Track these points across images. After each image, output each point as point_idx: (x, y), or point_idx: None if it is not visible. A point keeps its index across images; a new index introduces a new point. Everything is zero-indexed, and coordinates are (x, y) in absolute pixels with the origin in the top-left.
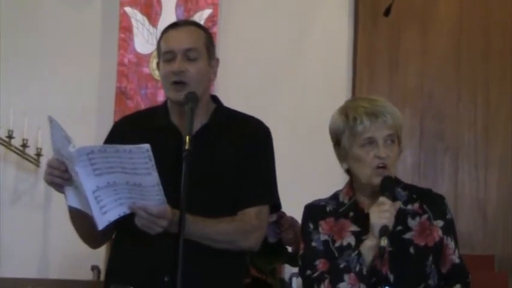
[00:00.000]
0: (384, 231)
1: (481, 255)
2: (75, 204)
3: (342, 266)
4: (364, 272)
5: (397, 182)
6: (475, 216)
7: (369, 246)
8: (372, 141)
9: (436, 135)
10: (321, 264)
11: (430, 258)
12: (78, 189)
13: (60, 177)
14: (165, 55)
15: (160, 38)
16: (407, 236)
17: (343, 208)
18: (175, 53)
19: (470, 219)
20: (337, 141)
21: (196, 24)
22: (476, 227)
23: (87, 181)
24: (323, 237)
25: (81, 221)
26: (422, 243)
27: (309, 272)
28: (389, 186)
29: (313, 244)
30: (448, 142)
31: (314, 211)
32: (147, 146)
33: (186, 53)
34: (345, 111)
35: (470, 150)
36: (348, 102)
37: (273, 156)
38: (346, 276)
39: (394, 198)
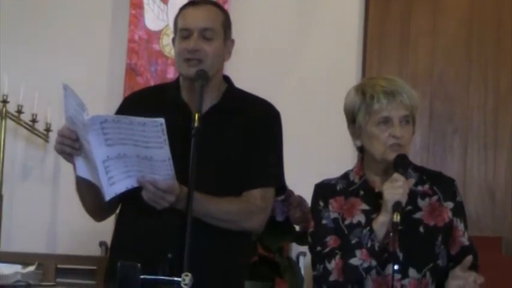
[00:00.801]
0: (397, 206)
1: (488, 236)
2: (85, 174)
3: (353, 241)
4: (376, 248)
5: (409, 162)
6: (483, 198)
7: (381, 222)
8: (387, 120)
9: (445, 116)
10: (331, 240)
11: (440, 239)
12: (87, 159)
13: (71, 146)
14: (182, 32)
15: (178, 14)
16: (417, 215)
17: (354, 187)
18: (191, 31)
19: (478, 201)
20: (352, 119)
21: (215, 4)
22: (485, 209)
23: (98, 150)
24: (333, 215)
25: (88, 191)
26: (431, 223)
27: (319, 248)
28: (403, 163)
29: (324, 222)
30: (457, 124)
31: (324, 189)
32: (161, 120)
33: (203, 32)
34: (362, 89)
35: (479, 132)
36: (366, 80)
37: (281, 139)
38: (358, 252)
39: (406, 177)
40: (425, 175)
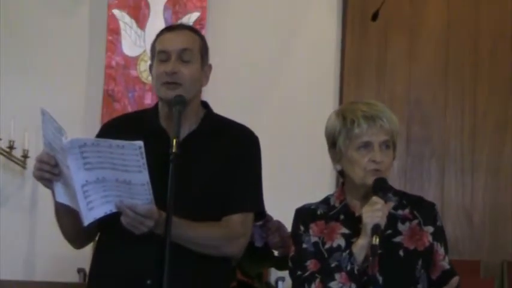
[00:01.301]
0: (376, 229)
1: (467, 260)
2: (64, 200)
3: (333, 265)
4: (355, 271)
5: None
6: (461, 221)
7: (360, 245)
8: (367, 145)
9: (422, 141)
10: (311, 264)
11: (420, 263)
12: (66, 185)
13: (50, 172)
14: (160, 55)
15: (155, 39)
16: (397, 239)
17: (334, 211)
18: (169, 54)
19: (456, 225)
20: (332, 143)
21: (192, 29)
22: (463, 232)
23: (77, 175)
24: (313, 239)
25: (67, 217)
26: (411, 247)
27: (299, 272)
28: (383, 187)
29: (304, 246)
30: (434, 148)
31: (305, 214)
32: (140, 143)
33: (181, 54)
34: (343, 113)
35: (456, 156)
36: (347, 105)
37: (260, 164)
38: (337, 275)
39: (386, 200)
40: (405, 199)
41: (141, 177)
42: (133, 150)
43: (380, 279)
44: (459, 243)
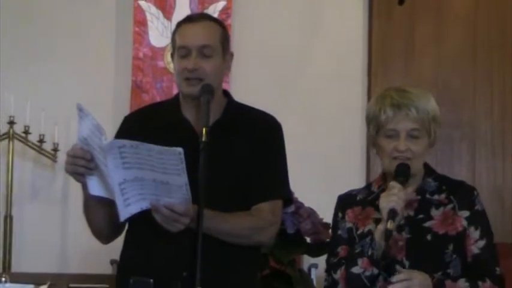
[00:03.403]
0: (391, 214)
1: (498, 243)
2: (99, 193)
3: (357, 250)
4: (375, 257)
5: (430, 172)
6: (492, 204)
7: (381, 230)
8: (395, 133)
9: (452, 124)
10: (342, 250)
11: (451, 247)
12: (101, 178)
13: (85, 166)
14: (180, 50)
15: (175, 31)
16: (427, 224)
17: (372, 196)
18: (189, 49)
19: (487, 208)
20: (367, 127)
21: (211, 19)
22: (494, 215)
23: (115, 173)
24: (348, 225)
25: (98, 211)
26: (441, 232)
27: (332, 258)
28: (403, 172)
29: (339, 232)
30: (464, 131)
31: (344, 200)
32: (180, 149)
33: (201, 50)
34: (376, 99)
35: (486, 138)
36: (384, 91)
37: (285, 150)
38: (359, 261)
39: (405, 185)
40: (445, 184)
41: (180, 180)
42: (173, 156)
43: (407, 263)
44: (491, 227)
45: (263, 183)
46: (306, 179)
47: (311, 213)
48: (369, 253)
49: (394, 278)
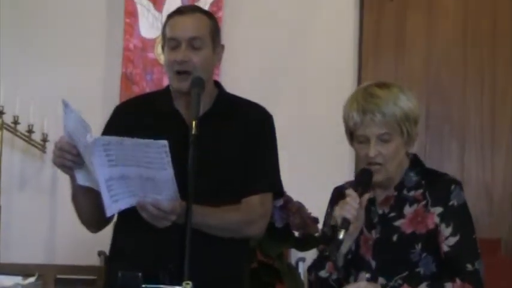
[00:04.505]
0: (343, 223)
1: (487, 238)
2: (86, 183)
3: (326, 253)
4: (339, 263)
5: (415, 164)
6: (481, 199)
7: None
8: (364, 139)
9: (442, 118)
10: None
11: (419, 246)
12: (88, 171)
13: (72, 160)
14: (170, 42)
15: (165, 23)
16: (397, 223)
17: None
18: (179, 41)
19: (476, 203)
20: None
21: (201, 11)
22: (483, 210)
23: (101, 170)
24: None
25: (87, 200)
26: (409, 231)
27: (318, 254)
28: (363, 179)
29: (325, 229)
30: (454, 125)
31: (336, 194)
32: (164, 141)
33: (191, 42)
34: (346, 103)
35: (476, 133)
36: (354, 91)
37: (276, 142)
38: (327, 264)
39: (362, 193)
40: (426, 179)
41: (166, 175)
42: (158, 149)
43: (373, 263)
44: (479, 221)
45: (253, 175)
46: (295, 173)
47: (300, 207)
48: (334, 258)
49: None
